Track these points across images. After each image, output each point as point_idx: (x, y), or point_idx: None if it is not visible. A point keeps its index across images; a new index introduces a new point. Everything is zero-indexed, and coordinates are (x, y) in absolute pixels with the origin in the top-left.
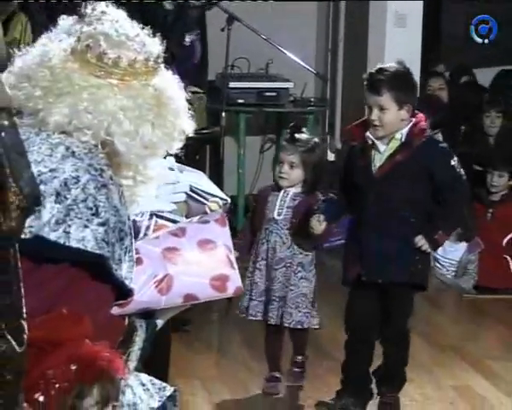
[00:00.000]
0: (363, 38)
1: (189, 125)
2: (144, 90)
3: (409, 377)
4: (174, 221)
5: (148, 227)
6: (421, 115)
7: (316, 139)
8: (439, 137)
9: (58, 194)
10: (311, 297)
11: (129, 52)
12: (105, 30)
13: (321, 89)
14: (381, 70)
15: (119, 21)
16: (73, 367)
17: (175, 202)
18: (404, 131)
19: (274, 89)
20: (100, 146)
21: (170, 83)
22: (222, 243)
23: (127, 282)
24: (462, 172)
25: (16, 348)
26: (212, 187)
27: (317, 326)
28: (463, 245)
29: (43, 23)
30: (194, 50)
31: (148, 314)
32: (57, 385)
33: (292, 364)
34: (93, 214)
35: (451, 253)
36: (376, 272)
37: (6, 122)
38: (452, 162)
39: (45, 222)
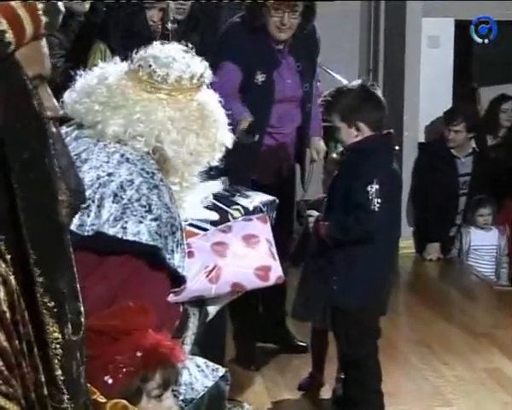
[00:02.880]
0: (401, 58)
1: (228, 138)
2: (189, 104)
3: (444, 360)
4: (203, 228)
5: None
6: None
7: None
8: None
9: (115, 195)
10: None
11: (175, 71)
12: (154, 53)
13: None
14: (332, 92)
15: (166, 47)
16: (139, 354)
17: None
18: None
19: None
20: (151, 153)
21: (211, 99)
22: (264, 237)
23: (180, 270)
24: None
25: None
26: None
27: None
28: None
29: (119, 51)
30: None
31: (199, 303)
32: (124, 369)
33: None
34: (146, 211)
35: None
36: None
37: (54, 129)
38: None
39: (105, 220)
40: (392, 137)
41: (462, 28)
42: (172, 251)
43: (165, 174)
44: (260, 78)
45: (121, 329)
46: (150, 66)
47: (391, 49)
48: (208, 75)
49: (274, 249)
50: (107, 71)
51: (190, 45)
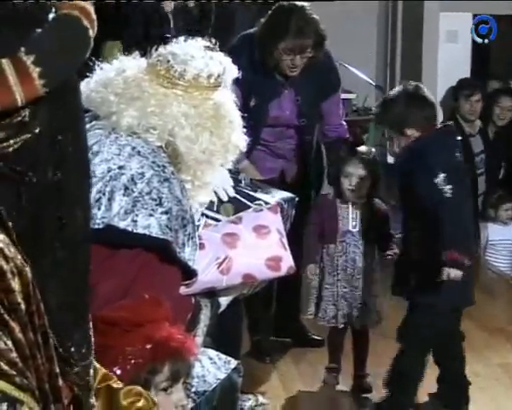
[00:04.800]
0: (418, 53)
1: (242, 141)
2: (205, 102)
3: None
4: (215, 219)
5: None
6: None
7: (373, 149)
8: None
9: (126, 188)
10: None
11: (193, 68)
12: (174, 50)
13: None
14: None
15: (187, 43)
16: (148, 346)
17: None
18: None
19: None
20: (164, 147)
21: (228, 99)
22: (275, 228)
23: (190, 263)
24: None
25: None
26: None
27: None
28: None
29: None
30: None
31: (210, 295)
32: (132, 361)
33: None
34: (157, 205)
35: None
36: None
37: None
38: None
39: (115, 213)
40: (451, 128)
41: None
42: (183, 245)
43: (177, 171)
44: (255, 103)
45: (133, 321)
46: (168, 61)
47: (408, 44)
48: (227, 76)
49: (285, 240)
50: (125, 64)
51: (214, 41)
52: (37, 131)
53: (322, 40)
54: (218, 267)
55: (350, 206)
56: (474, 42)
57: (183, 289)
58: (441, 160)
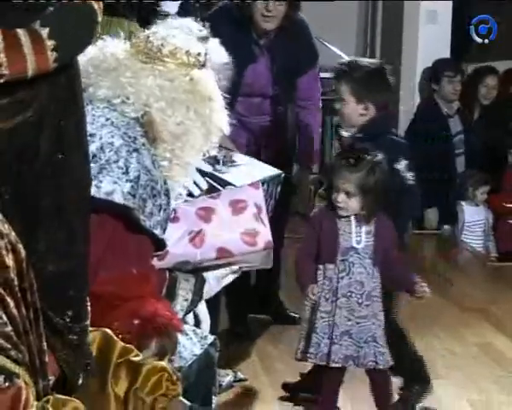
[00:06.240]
0: (399, 33)
1: (225, 123)
2: (181, 77)
3: (436, 334)
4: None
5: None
6: None
7: (378, 157)
8: None
9: (94, 155)
10: None
11: (170, 44)
12: (155, 29)
13: None
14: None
15: (171, 23)
16: (136, 322)
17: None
18: None
19: None
20: (140, 118)
21: (209, 79)
22: (253, 202)
23: (157, 232)
24: None
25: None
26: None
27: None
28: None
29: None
30: None
31: (195, 270)
32: (120, 336)
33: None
34: (123, 173)
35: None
36: None
37: None
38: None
39: None
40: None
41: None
42: (151, 213)
43: (155, 147)
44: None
45: (119, 295)
46: (148, 37)
47: (389, 23)
48: (212, 58)
49: (264, 215)
50: (109, 43)
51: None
52: (36, 111)
53: None
54: (191, 241)
55: (352, 217)
56: (453, 22)
57: (156, 263)
58: (397, 142)
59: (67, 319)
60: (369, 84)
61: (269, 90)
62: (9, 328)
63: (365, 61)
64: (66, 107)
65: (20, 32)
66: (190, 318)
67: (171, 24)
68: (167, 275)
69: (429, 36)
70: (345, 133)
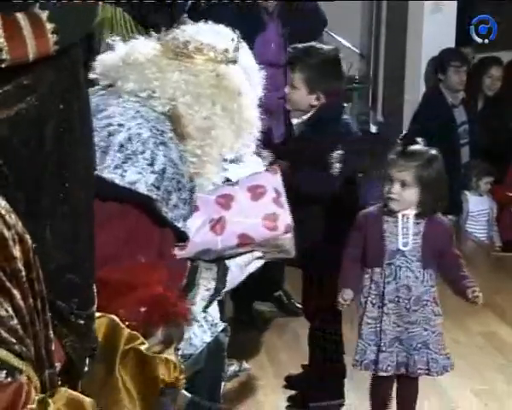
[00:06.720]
0: (403, 23)
1: (256, 120)
2: (207, 72)
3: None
4: None
5: None
6: None
7: (433, 151)
8: None
9: (121, 145)
10: None
11: (197, 41)
12: (184, 28)
13: (365, 68)
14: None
15: (200, 26)
16: (142, 309)
17: None
18: None
19: None
20: (167, 112)
21: (237, 74)
22: (272, 187)
23: (179, 225)
24: None
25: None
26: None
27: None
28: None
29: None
30: None
31: (217, 259)
32: (126, 323)
33: None
34: (148, 165)
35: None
36: None
37: None
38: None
39: (106, 166)
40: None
41: None
42: (175, 206)
43: (183, 141)
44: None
45: (126, 282)
46: (175, 35)
47: (394, 11)
48: (240, 56)
49: (283, 199)
50: (140, 41)
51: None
52: (40, 96)
53: None
54: (212, 228)
55: (400, 219)
56: (458, 12)
57: (178, 252)
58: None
59: (74, 306)
60: (322, 73)
61: (280, 59)
62: (15, 321)
63: (322, 47)
64: (69, 91)
65: (20, 15)
66: (215, 309)
67: (200, 26)
68: (188, 264)
69: (434, 24)
70: (294, 120)
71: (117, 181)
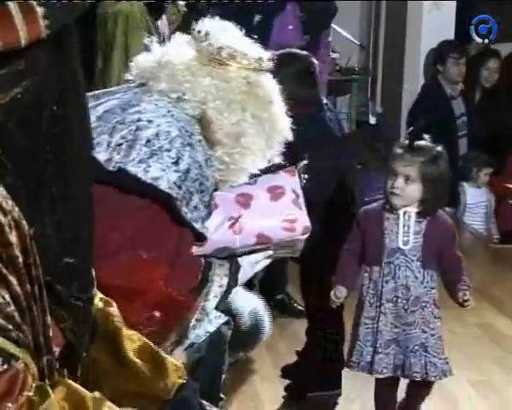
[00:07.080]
0: (403, 16)
1: (288, 130)
2: (238, 79)
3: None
4: None
5: None
6: None
7: (439, 148)
8: None
9: (148, 141)
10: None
11: (229, 47)
12: (216, 33)
13: (364, 60)
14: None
15: (227, 31)
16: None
17: None
18: None
19: None
20: (197, 117)
21: (268, 83)
22: (290, 188)
23: (197, 226)
24: None
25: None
26: None
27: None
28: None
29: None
30: None
31: (230, 256)
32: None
33: None
34: (173, 163)
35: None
36: None
37: None
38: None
39: (131, 159)
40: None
41: None
42: (196, 207)
43: (213, 148)
44: (259, 19)
45: (131, 286)
46: (209, 41)
47: (393, 7)
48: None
49: (301, 200)
50: (174, 46)
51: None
52: (34, 81)
53: None
54: (231, 227)
55: (401, 216)
56: (458, 12)
57: (195, 249)
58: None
59: (74, 289)
60: (296, 82)
61: (297, 40)
62: (12, 307)
63: (297, 53)
64: (65, 77)
65: (11, 4)
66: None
67: (234, 33)
68: (203, 261)
69: (433, 19)
70: None
71: (140, 175)
